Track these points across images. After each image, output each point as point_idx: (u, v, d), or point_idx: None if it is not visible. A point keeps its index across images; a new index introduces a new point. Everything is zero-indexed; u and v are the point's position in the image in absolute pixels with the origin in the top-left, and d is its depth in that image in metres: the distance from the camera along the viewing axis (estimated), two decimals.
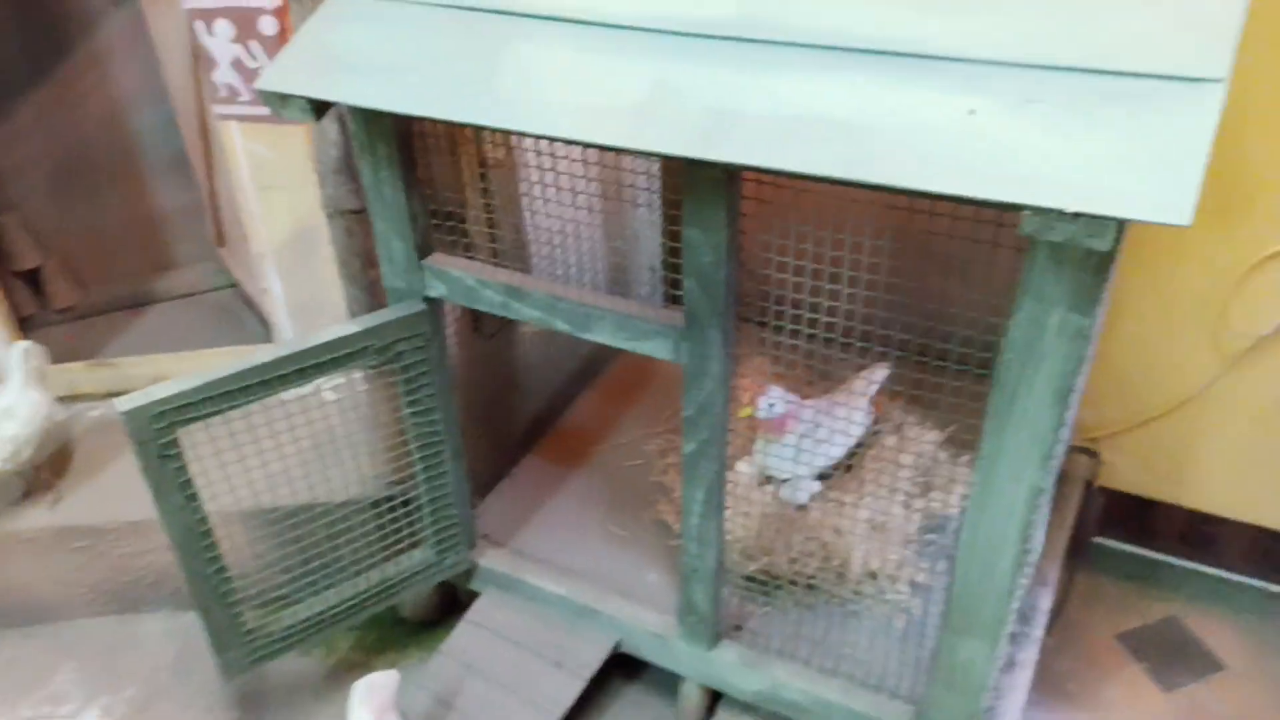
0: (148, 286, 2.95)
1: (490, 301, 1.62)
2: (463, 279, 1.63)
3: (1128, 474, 2.28)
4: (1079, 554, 2.37)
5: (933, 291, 1.42)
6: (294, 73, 1.42)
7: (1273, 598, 2.28)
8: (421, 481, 1.83)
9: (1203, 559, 2.33)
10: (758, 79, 1.20)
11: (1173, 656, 2.19)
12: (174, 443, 1.54)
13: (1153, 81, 0.99)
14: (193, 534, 1.62)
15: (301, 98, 1.38)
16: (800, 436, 1.91)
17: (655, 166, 2.12)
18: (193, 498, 1.60)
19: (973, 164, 1.01)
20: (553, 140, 1.42)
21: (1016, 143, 1.01)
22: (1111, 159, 0.96)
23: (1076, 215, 0.93)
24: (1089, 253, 1.02)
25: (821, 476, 2.03)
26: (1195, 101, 0.96)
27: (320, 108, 1.41)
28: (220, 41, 1.95)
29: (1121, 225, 0.95)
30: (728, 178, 1.28)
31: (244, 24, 1.93)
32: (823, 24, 1.19)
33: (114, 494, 2.20)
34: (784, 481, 2.00)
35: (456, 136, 1.89)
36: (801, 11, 1.22)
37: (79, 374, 2.45)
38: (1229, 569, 2.32)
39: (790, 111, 1.15)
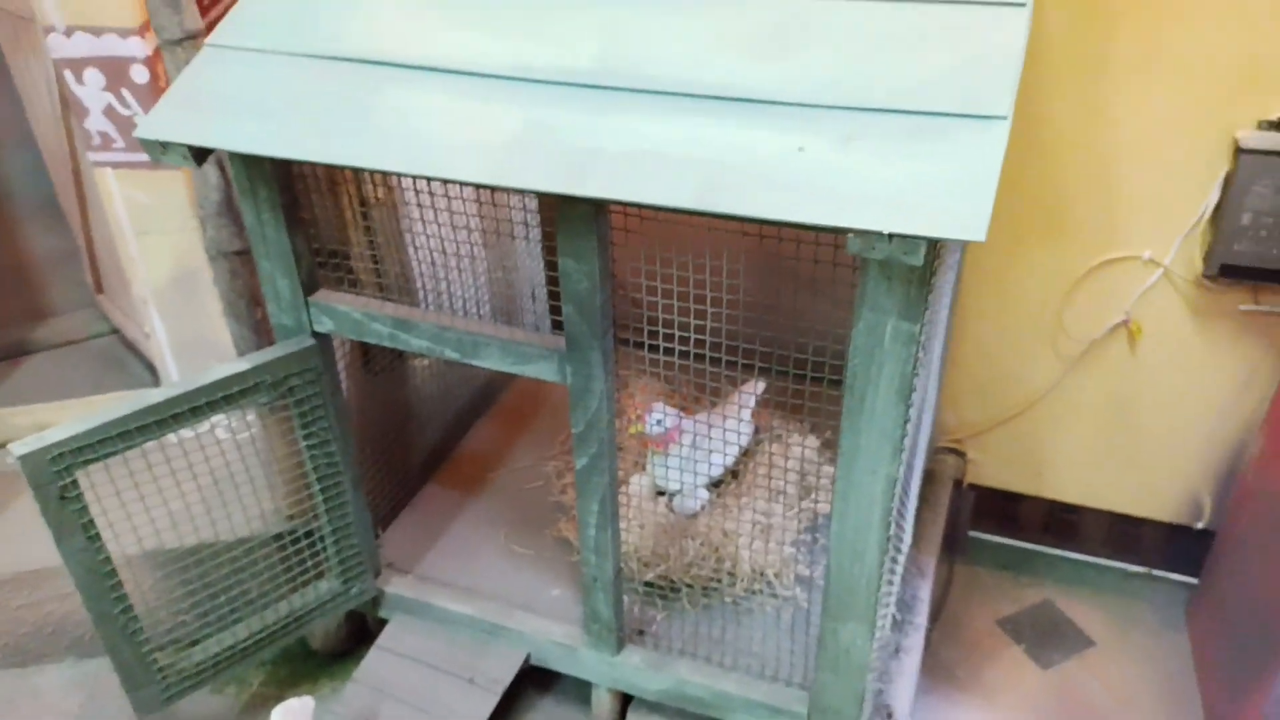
0: (24, 335, 2.90)
1: (378, 334, 1.68)
2: (350, 314, 1.69)
3: (992, 470, 2.45)
4: (955, 548, 2.53)
5: (787, 309, 1.54)
6: (173, 120, 1.47)
7: (1132, 577, 2.47)
8: (323, 513, 1.86)
9: (1067, 545, 2.51)
10: (617, 122, 1.30)
11: (1048, 637, 2.36)
12: (73, 484, 1.55)
13: (950, 119, 1.13)
14: (96, 575, 1.63)
15: (182, 145, 1.43)
16: (687, 448, 2.02)
17: (532, 201, 2.21)
18: (95, 538, 1.61)
19: (803, 194, 1.13)
20: (429, 180, 1.49)
21: (839, 174, 1.13)
22: (919, 187, 1.09)
23: (891, 236, 1.06)
24: (910, 268, 1.15)
25: (711, 486, 2.14)
26: (985, 135, 1.11)
27: (200, 154, 1.46)
28: (91, 90, 1.97)
29: (932, 243, 1.08)
30: (596, 210, 1.38)
31: (114, 73, 1.95)
32: (671, 74, 1.31)
33: (6, 545, 2.17)
34: (676, 493, 2.10)
35: (335, 177, 1.95)
36: (653, 62, 1.34)
37: None
38: (1091, 553, 2.50)
39: (646, 150, 1.26)
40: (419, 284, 2.18)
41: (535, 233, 2.37)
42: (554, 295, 1.64)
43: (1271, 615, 1.84)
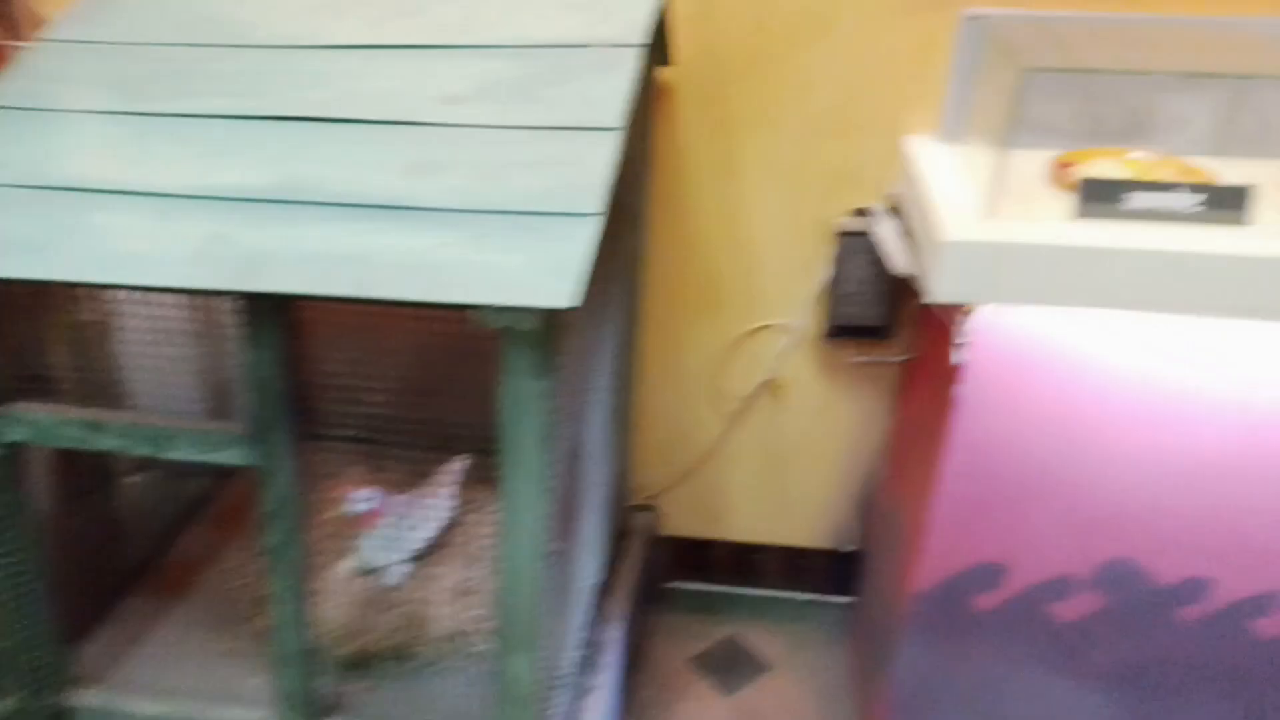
0: None
1: (71, 438, 1.74)
2: (39, 420, 1.74)
3: (681, 521, 2.77)
4: (654, 598, 2.82)
5: (468, 391, 1.78)
6: None
7: (803, 605, 2.83)
8: (13, 629, 1.84)
9: (751, 583, 2.85)
10: (288, 229, 1.52)
11: (731, 668, 2.68)
12: None
13: (558, 218, 1.46)
14: None
15: None
16: (392, 525, 2.18)
17: (225, 303, 2.33)
18: None
19: (442, 279, 1.39)
20: (118, 288, 1.62)
21: (472, 264, 1.41)
22: (528, 269, 1.38)
23: (503, 308, 1.34)
24: (533, 333, 1.43)
25: (416, 559, 2.30)
26: (581, 228, 1.44)
27: None
28: None
29: (542, 313, 1.37)
30: (275, 306, 1.56)
31: None
32: (339, 189, 1.56)
33: None
34: (381, 568, 2.25)
35: (44, 301, 2.00)
36: (322, 180, 1.58)
37: None
38: (771, 587, 2.84)
39: (313, 250, 1.48)
40: (126, 389, 2.25)
41: (235, 333, 2.49)
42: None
43: (887, 613, 2.25)
